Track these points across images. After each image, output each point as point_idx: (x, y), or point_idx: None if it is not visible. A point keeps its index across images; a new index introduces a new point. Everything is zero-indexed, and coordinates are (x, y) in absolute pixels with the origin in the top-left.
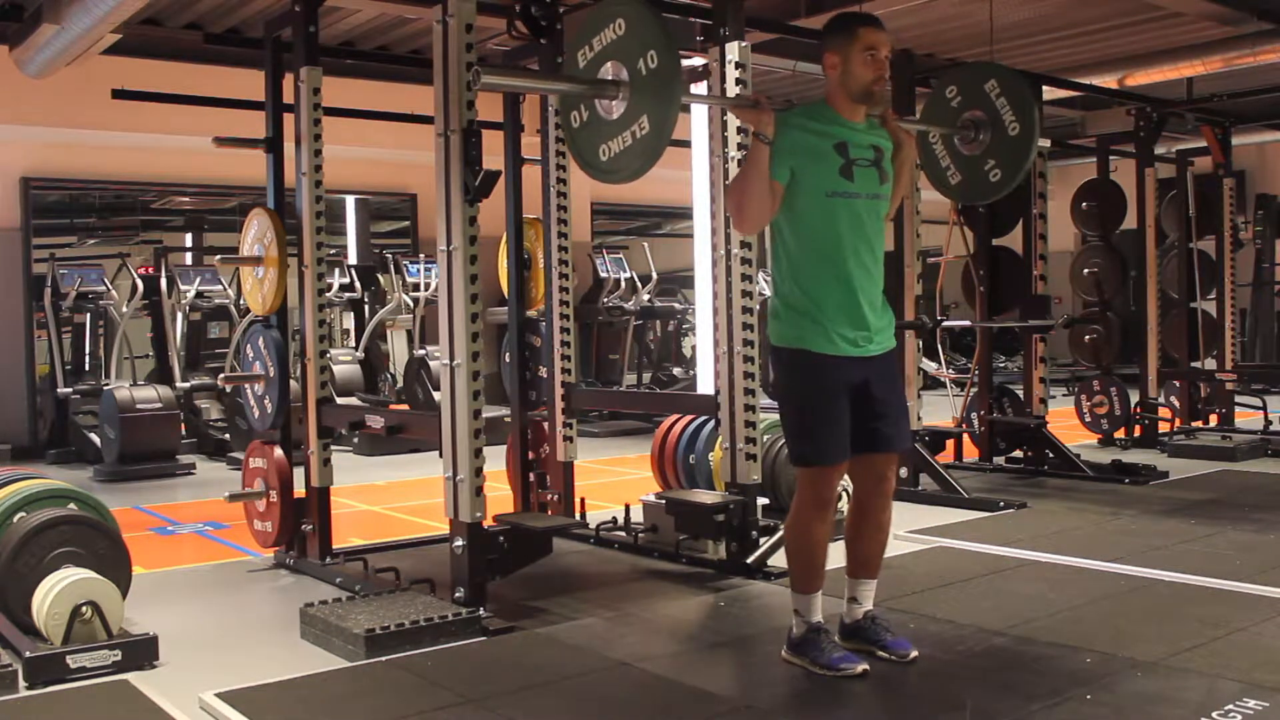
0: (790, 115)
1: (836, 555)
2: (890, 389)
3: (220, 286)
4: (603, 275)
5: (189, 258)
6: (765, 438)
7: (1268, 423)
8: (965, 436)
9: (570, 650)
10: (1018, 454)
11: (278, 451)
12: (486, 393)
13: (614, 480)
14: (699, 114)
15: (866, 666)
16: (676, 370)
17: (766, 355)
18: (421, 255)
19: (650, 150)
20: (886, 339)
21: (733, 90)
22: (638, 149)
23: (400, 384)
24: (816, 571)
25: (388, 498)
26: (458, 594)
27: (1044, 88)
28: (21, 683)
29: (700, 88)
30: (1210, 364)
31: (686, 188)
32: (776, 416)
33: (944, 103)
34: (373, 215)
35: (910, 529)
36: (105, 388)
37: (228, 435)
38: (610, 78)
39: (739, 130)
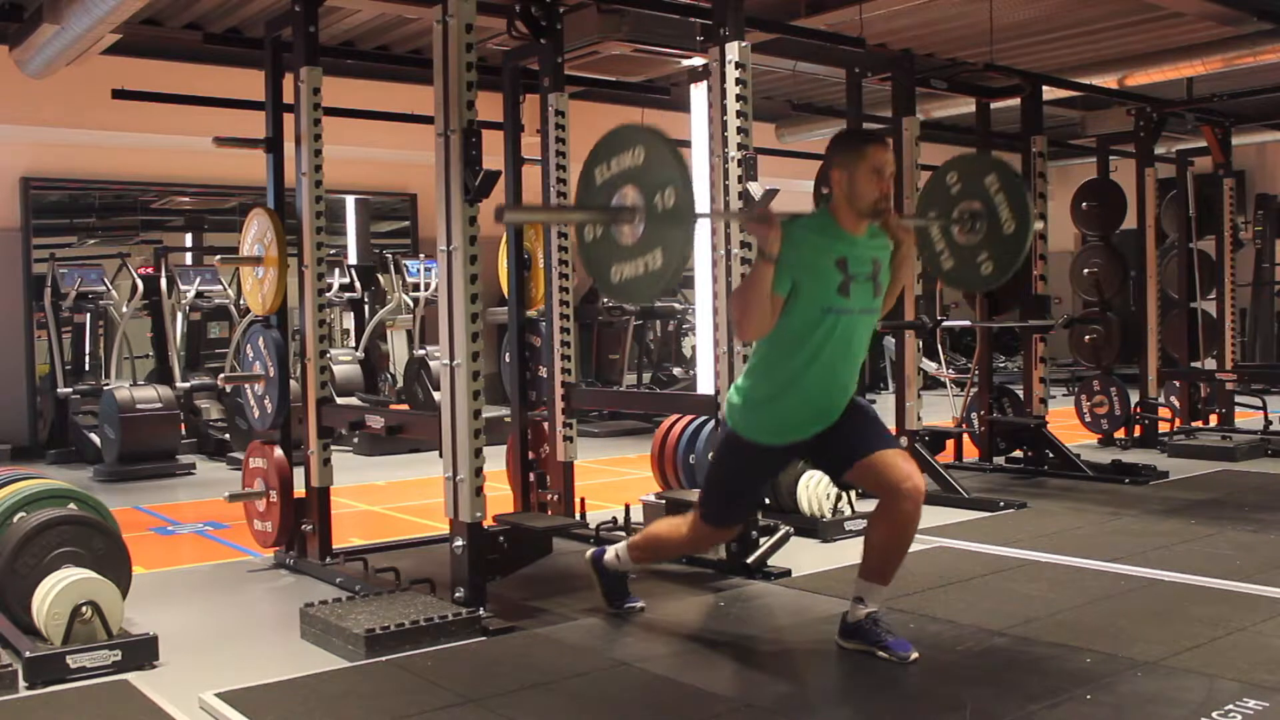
0: (794, 228)
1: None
2: (849, 414)
3: (220, 286)
4: None
5: (189, 258)
6: None
7: (1268, 423)
8: (965, 436)
9: (570, 650)
10: (1018, 454)
11: (278, 451)
12: (486, 393)
13: (614, 480)
14: (699, 114)
15: (641, 604)
16: (676, 370)
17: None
18: (421, 255)
19: (661, 283)
20: (844, 405)
21: (733, 90)
22: (649, 280)
23: (400, 384)
24: (652, 563)
25: (388, 498)
26: (458, 594)
27: (1044, 88)
28: (21, 683)
29: (700, 89)
30: (1210, 364)
31: None
32: None
33: (944, 188)
34: (373, 215)
35: None
36: (105, 388)
37: (228, 435)
38: (626, 204)
39: (739, 131)
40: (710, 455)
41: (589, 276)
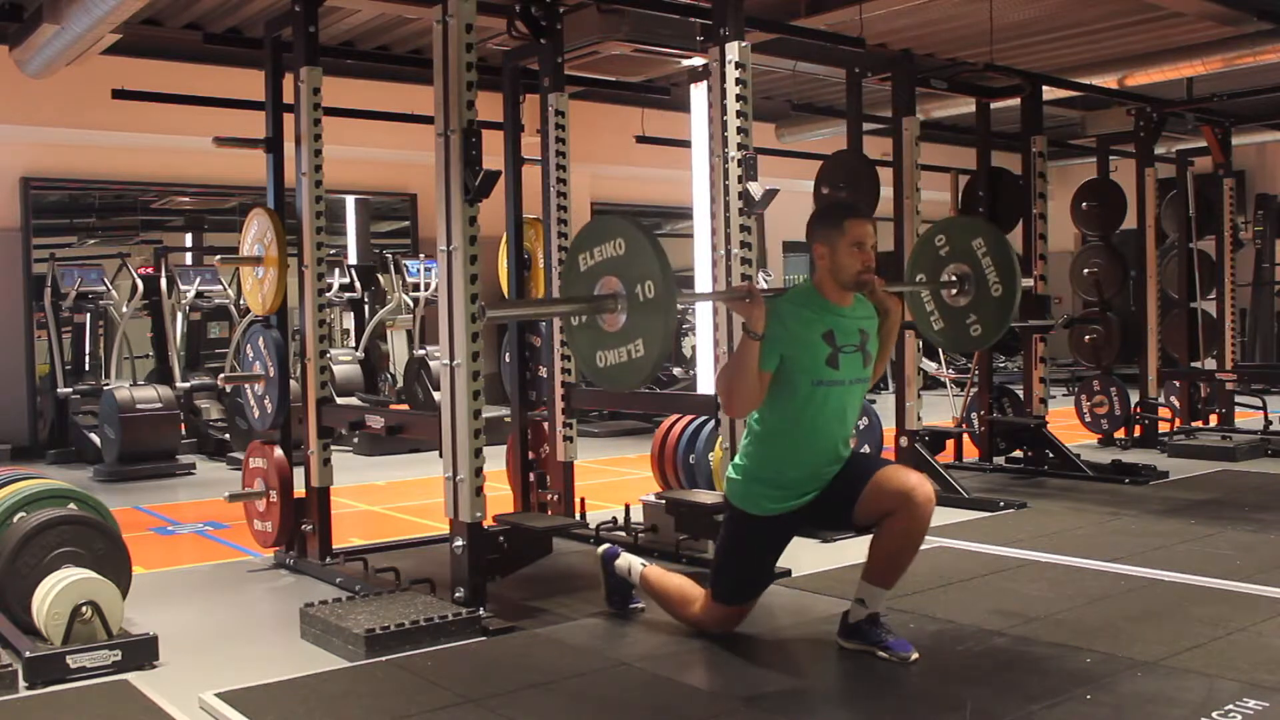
0: (780, 304)
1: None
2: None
3: (220, 286)
4: None
5: (189, 258)
6: None
7: (1268, 423)
8: (965, 436)
9: (570, 650)
10: (1018, 454)
11: (278, 451)
12: (486, 393)
13: (614, 480)
14: (699, 114)
15: (642, 605)
16: (676, 370)
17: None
18: (421, 255)
19: (644, 371)
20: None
21: (733, 90)
22: (632, 368)
23: (400, 384)
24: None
25: (388, 498)
26: (458, 594)
27: (1044, 88)
28: (21, 683)
29: (700, 89)
30: (1210, 364)
31: (686, 188)
32: None
33: (932, 249)
34: (373, 215)
35: None
36: (105, 388)
37: (228, 435)
38: (609, 293)
39: (739, 131)
40: (719, 537)
41: (575, 359)
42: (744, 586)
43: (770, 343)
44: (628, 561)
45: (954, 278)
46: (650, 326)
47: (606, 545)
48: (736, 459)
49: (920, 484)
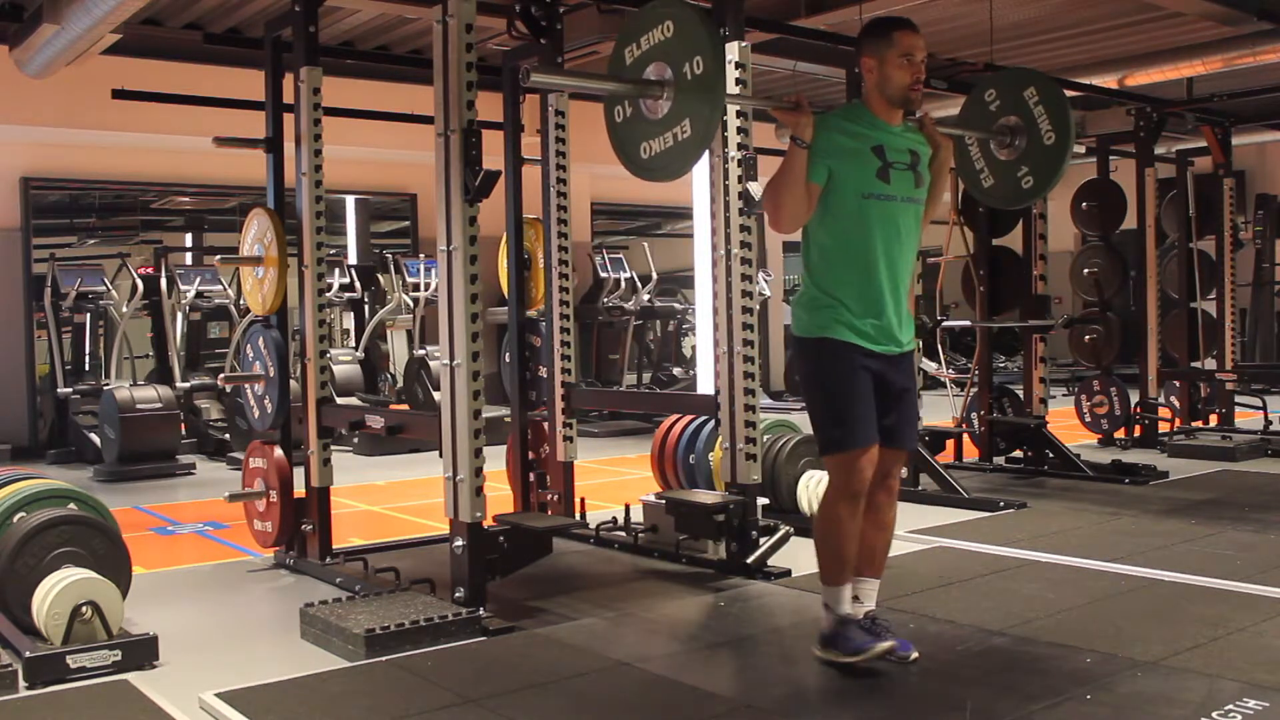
0: (828, 117)
1: None
2: (906, 388)
3: (220, 286)
4: (603, 275)
5: (189, 258)
6: (765, 438)
7: (1268, 423)
8: (965, 436)
9: (570, 650)
10: (1018, 454)
11: (278, 451)
12: (486, 393)
13: (614, 480)
14: None
15: (890, 644)
16: (676, 370)
17: (765, 356)
18: (421, 255)
19: (691, 153)
20: (909, 342)
21: (732, 90)
22: (678, 151)
23: (400, 384)
24: (846, 564)
25: (388, 498)
26: (458, 594)
27: None
28: (21, 683)
29: None
30: (1210, 364)
31: (686, 188)
32: (776, 416)
33: (982, 105)
34: (373, 215)
35: (910, 529)
36: (105, 388)
37: (228, 435)
38: (655, 78)
39: (739, 131)
40: (802, 387)
41: (619, 156)
42: (854, 421)
43: (818, 153)
44: (824, 620)
45: (1005, 128)
46: (698, 106)
47: (816, 639)
48: (800, 295)
49: (896, 475)
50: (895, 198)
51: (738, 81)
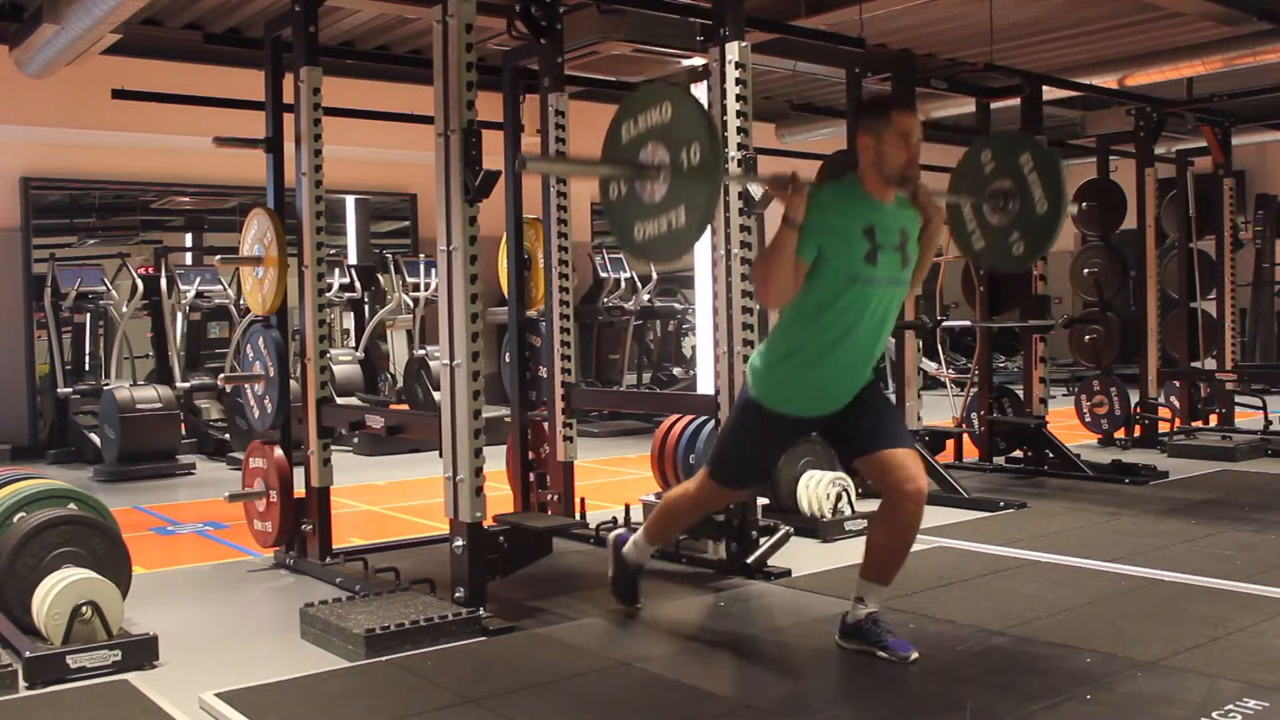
0: (821, 194)
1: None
2: (867, 399)
3: (220, 286)
4: (603, 275)
5: (189, 258)
6: None
7: (1268, 423)
8: (965, 436)
9: (570, 650)
10: (1018, 454)
11: (278, 451)
12: (486, 393)
13: (614, 480)
14: None
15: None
16: (676, 370)
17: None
18: (421, 255)
19: (686, 241)
20: (864, 383)
21: (733, 90)
22: (672, 237)
23: (400, 384)
24: (669, 536)
25: (388, 498)
26: (458, 594)
27: (1044, 88)
28: (21, 683)
29: (700, 89)
30: (1210, 364)
31: None
32: None
33: (977, 166)
34: (373, 215)
35: None
36: (105, 388)
37: (228, 435)
38: (652, 161)
39: (739, 131)
40: (728, 415)
41: (612, 233)
42: (743, 473)
43: (809, 232)
44: (632, 539)
45: (999, 193)
46: (693, 193)
47: (619, 530)
48: (762, 347)
49: (916, 478)
50: (880, 280)
51: (738, 81)
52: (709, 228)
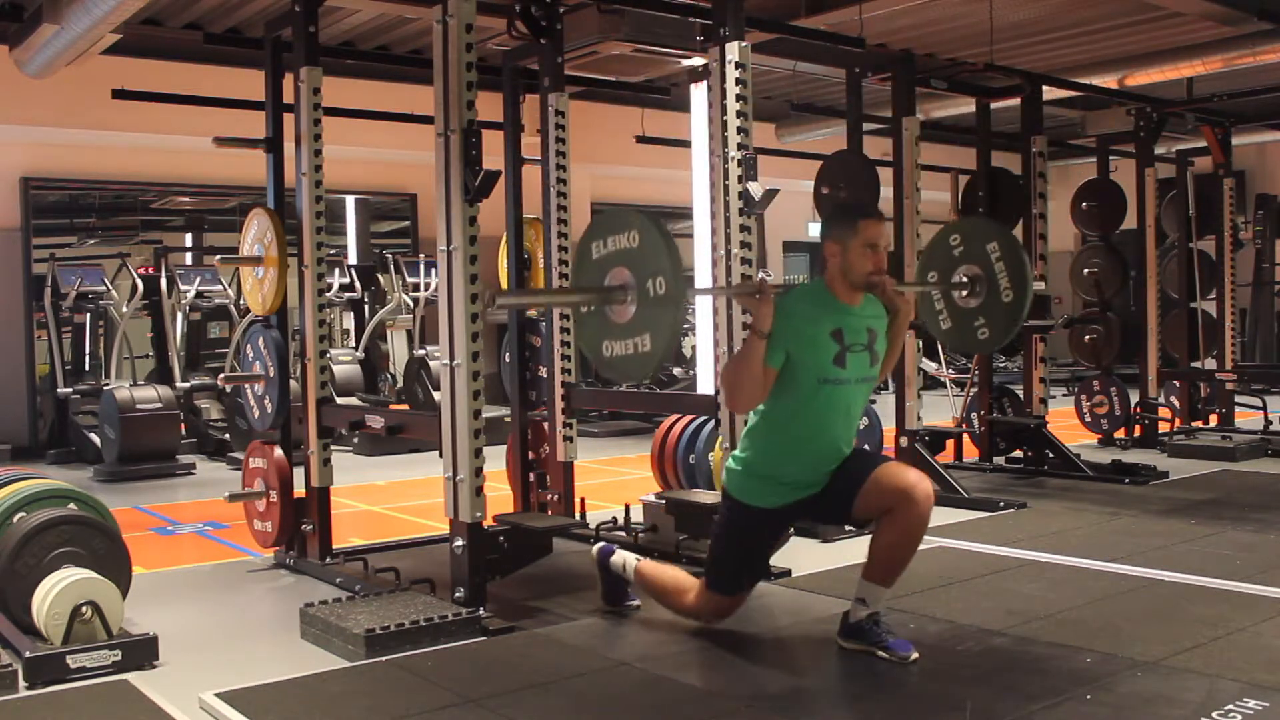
0: (789, 301)
1: (847, 555)
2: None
3: (220, 286)
4: None
5: (189, 258)
6: None
7: (1268, 423)
8: (965, 436)
9: (570, 650)
10: (1018, 454)
11: (278, 451)
12: (486, 393)
13: (614, 480)
14: (699, 114)
15: (637, 603)
16: (676, 370)
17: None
18: (421, 255)
19: (649, 364)
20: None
21: (733, 90)
22: (638, 360)
23: (400, 384)
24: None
25: (388, 498)
26: (458, 594)
27: (1044, 88)
28: (21, 683)
29: (700, 89)
30: (1210, 364)
31: (686, 188)
32: None
33: (946, 249)
34: (373, 215)
35: None
36: (105, 388)
37: (228, 435)
38: (619, 284)
39: (739, 131)
40: (714, 525)
41: (581, 347)
42: (739, 576)
43: (777, 339)
44: (622, 558)
45: (965, 279)
46: (658, 321)
47: (601, 544)
48: (737, 451)
49: (920, 481)
50: (849, 380)
51: (738, 81)
52: (673, 349)
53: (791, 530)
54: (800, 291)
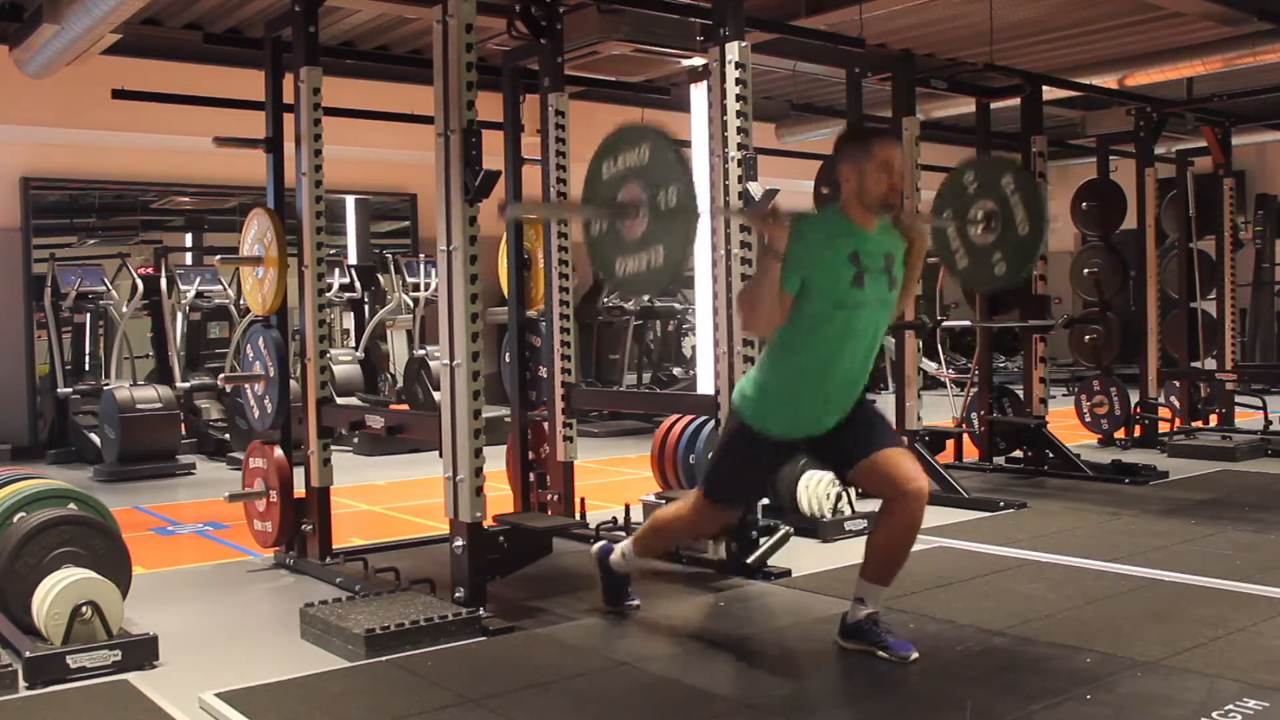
0: (803, 225)
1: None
2: (854, 411)
3: (220, 286)
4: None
5: (189, 258)
6: None
7: (1268, 423)
8: (965, 436)
9: (570, 650)
10: (1018, 454)
11: (278, 451)
12: (486, 393)
13: (614, 480)
14: (699, 114)
15: (637, 602)
16: (676, 370)
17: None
18: (421, 255)
19: (663, 279)
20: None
21: (733, 90)
22: (650, 276)
23: (400, 384)
24: (659, 551)
25: (388, 498)
26: (458, 594)
27: (1044, 88)
28: (21, 683)
29: (700, 89)
30: (1210, 364)
31: None
32: None
33: (960, 186)
34: (373, 215)
35: None
36: (105, 388)
37: (228, 435)
38: (629, 200)
39: (739, 131)
40: (719, 437)
41: (594, 268)
42: (736, 492)
43: (792, 263)
44: (619, 549)
45: (981, 214)
46: (670, 235)
47: (601, 543)
48: (752, 372)
49: (915, 478)
50: (867, 304)
51: (738, 81)
52: (687, 262)
53: (791, 531)
54: (815, 216)
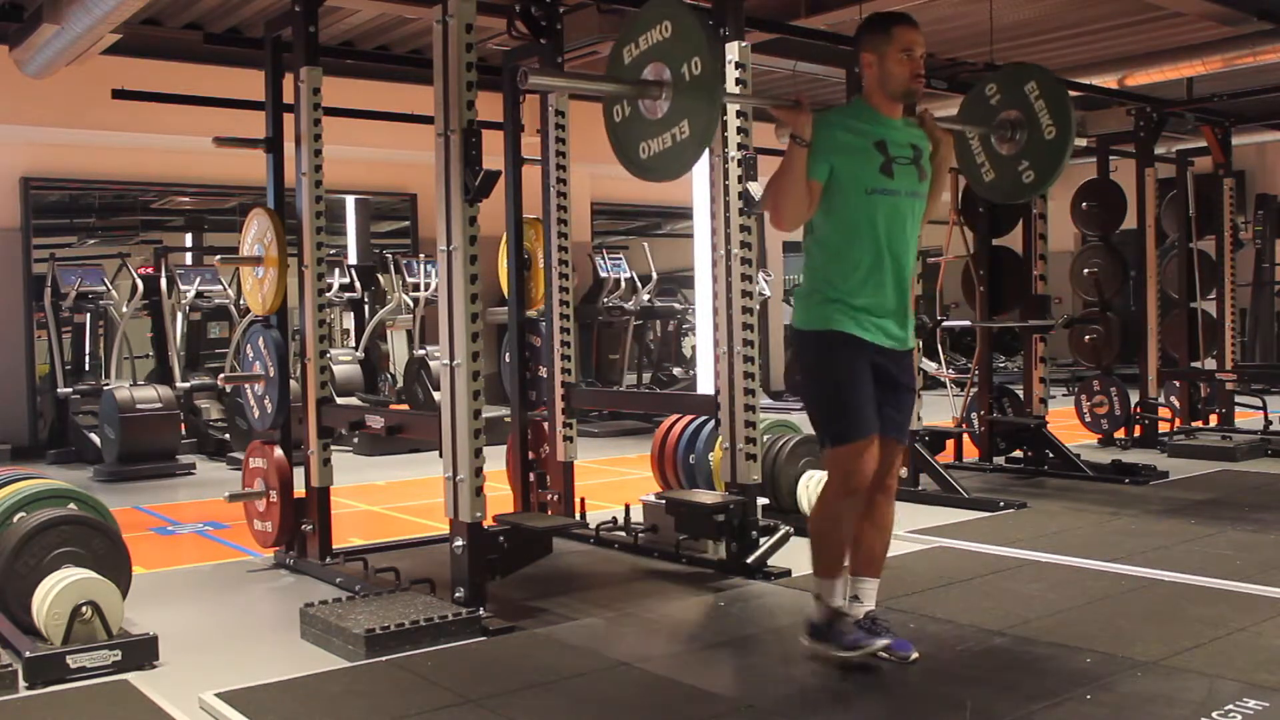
0: (829, 114)
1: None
2: (905, 386)
3: (220, 286)
4: (603, 275)
5: (189, 258)
6: (765, 438)
7: (1268, 423)
8: (965, 436)
9: (570, 650)
10: (1018, 454)
11: (278, 451)
12: (486, 393)
13: (614, 480)
14: None
15: (886, 641)
16: (676, 370)
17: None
18: (421, 255)
19: (690, 153)
20: (910, 339)
21: (732, 89)
22: (676, 152)
23: (400, 384)
24: (841, 558)
25: (388, 498)
26: (458, 594)
27: None
28: (21, 683)
29: None
30: (1210, 364)
31: (686, 188)
32: (776, 416)
33: (983, 100)
34: (373, 215)
35: (910, 529)
36: (105, 388)
37: (228, 435)
38: (653, 79)
39: (739, 130)
40: (802, 381)
41: (617, 155)
42: (852, 411)
43: (819, 151)
44: (813, 608)
45: (1006, 123)
46: (695, 106)
47: (803, 629)
48: (801, 288)
49: (895, 475)
50: (899, 192)
51: (738, 81)
52: (711, 135)
53: (791, 531)
54: (840, 107)
